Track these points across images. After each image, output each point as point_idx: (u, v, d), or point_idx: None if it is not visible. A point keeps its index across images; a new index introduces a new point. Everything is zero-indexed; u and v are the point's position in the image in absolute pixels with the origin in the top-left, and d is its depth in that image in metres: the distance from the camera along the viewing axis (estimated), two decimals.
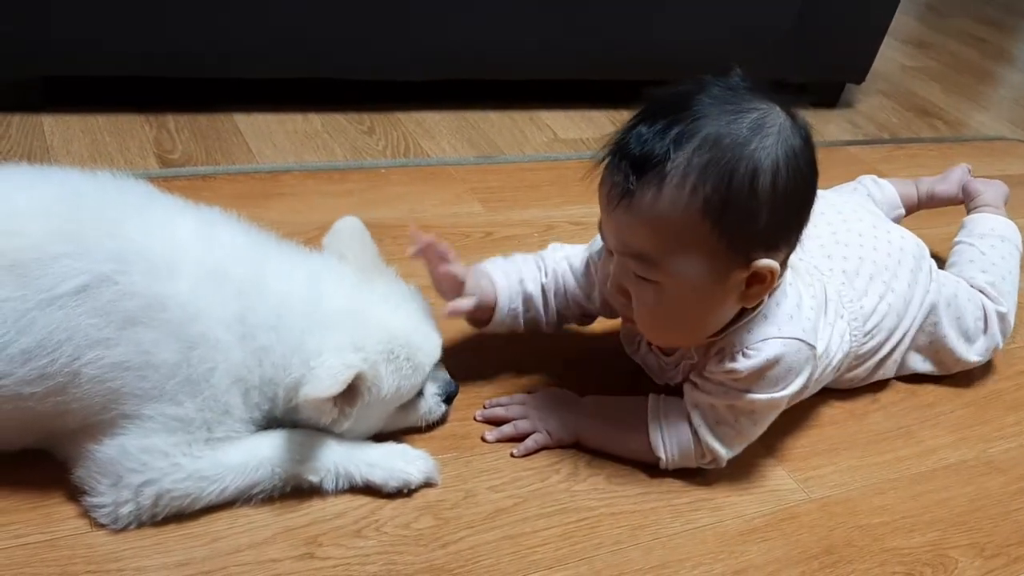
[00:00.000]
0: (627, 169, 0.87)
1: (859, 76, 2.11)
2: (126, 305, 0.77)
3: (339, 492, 0.91)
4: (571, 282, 1.08)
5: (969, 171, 1.50)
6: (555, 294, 1.08)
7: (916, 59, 2.63)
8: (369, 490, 0.92)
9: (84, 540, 0.82)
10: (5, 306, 0.75)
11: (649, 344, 1.07)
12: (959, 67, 2.64)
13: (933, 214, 1.51)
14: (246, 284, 0.84)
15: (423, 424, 0.99)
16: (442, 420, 1.02)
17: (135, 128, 1.49)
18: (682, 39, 1.82)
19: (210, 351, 0.81)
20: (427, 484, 0.94)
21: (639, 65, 1.81)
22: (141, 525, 0.83)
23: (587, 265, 1.08)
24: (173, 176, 1.39)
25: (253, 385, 0.85)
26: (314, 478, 0.89)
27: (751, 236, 0.88)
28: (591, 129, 1.81)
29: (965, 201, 1.45)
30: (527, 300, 1.06)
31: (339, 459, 0.90)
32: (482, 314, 1.04)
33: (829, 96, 2.16)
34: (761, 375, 0.95)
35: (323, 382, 0.81)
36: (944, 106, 2.32)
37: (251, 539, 0.85)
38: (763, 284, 0.91)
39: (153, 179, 1.33)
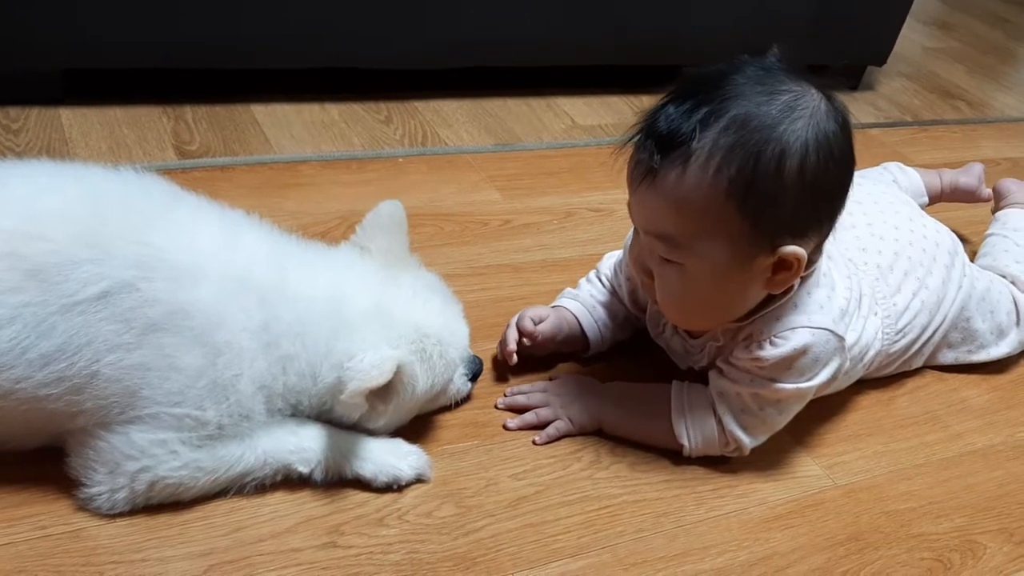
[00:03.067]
0: (652, 147, 0.86)
1: (881, 58, 2.08)
2: (148, 312, 0.77)
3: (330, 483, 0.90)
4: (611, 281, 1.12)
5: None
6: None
7: (938, 40, 2.60)
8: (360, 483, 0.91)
9: (107, 530, 0.82)
10: (26, 311, 0.75)
11: (675, 327, 1.05)
12: (982, 48, 2.60)
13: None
14: (270, 291, 0.83)
15: (452, 404, 1.00)
16: (467, 397, 1.02)
17: (153, 120, 1.50)
18: (701, 23, 1.80)
19: (235, 359, 0.81)
20: (418, 480, 0.92)
21: (658, 50, 1.80)
22: (134, 511, 0.83)
23: (615, 266, 1.10)
24: (191, 167, 1.39)
25: (277, 392, 0.85)
26: (304, 469, 0.88)
27: (777, 221, 0.86)
28: (609, 115, 1.80)
29: (996, 199, 1.44)
30: (608, 309, 1.11)
31: (331, 451, 0.89)
32: (577, 344, 1.11)
33: (851, 79, 2.13)
34: (788, 364, 0.94)
35: (369, 374, 0.80)
36: (967, 87, 2.28)
37: (273, 528, 0.85)
38: (789, 271, 0.89)
39: (171, 170, 1.36)
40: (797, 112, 0.84)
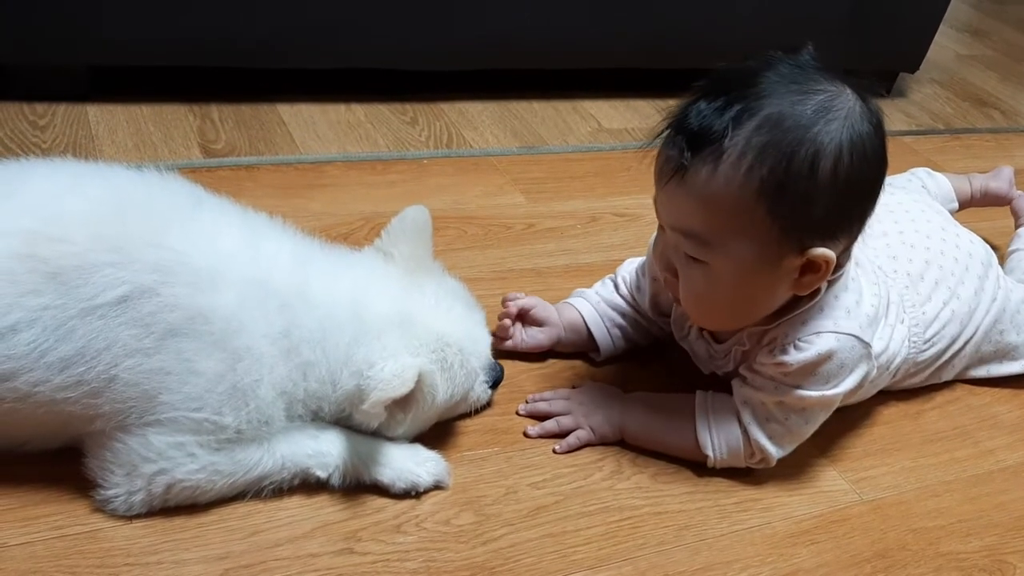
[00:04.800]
0: (683, 144, 0.84)
1: (914, 65, 2.05)
2: (167, 317, 0.76)
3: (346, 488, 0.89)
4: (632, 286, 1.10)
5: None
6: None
7: (971, 47, 2.56)
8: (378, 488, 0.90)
9: (123, 532, 0.81)
10: (45, 314, 0.74)
11: (700, 330, 1.04)
12: (1016, 55, 2.56)
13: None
14: (291, 297, 0.83)
15: (471, 411, 0.99)
16: (487, 403, 1.01)
17: (179, 118, 1.49)
18: (732, 26, 1.78)
19: (255, 364, 0.80)
20: (437, 487, 0.91)
21: (687, 53, 1.78)
22: (151, 512, 0.82)
23: (636, 270, 1.09)
24: (216, 166, 1.38)
25: (297, 398, 0.84)
26: (322, 474, 0.87)
27: (808, 223, 0.85)
28: (636, 119, 1.78)
29: (1015, 216, 1.42)
30: (617, 311, 1.10)
31: (349, 456, 0.88)
32: (585, 344, 1.10)
33: (883, 85, 2.10)
34: (812, 370, 0.92)
35: (390, 384, 0.80)
36: (1000, 95, 2.25)
37: (290, 533, 0.84)
38: (817, 274, 0.88)
39: (196, 169, 1.36)
40: (832, 113, 0.83)
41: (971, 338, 1.12)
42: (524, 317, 1.08)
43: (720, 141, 0.82)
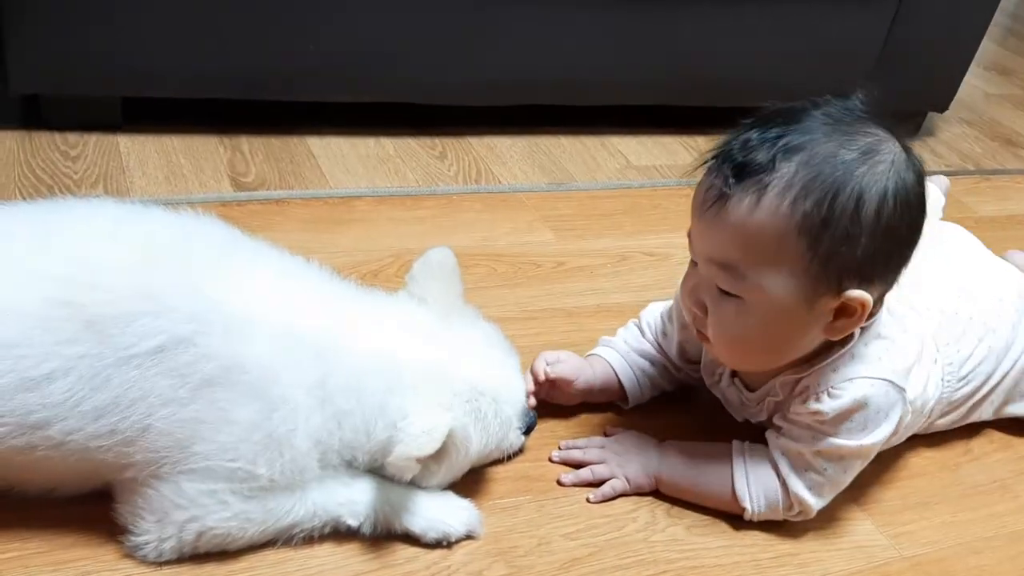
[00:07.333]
0: (728, 172, 0.84)
1: (943, 104, 2.04)
2: (204, 367, 0.75)
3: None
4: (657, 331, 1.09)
5: None
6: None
7: (1000, 86, 2.54)
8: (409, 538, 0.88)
9: None
10: (81, 363, 0.73)
11: (732, 376, 1.02)
12: None
13: None
14: (326, 345, 0.82)
15: (504, 458, 0.97)
16: (520, 449, 0.99)
17: (210, 150, 1.50)
18: (760, 63, 1.77)
19: (291, 414, 0.79)
20: (468, 537, 0.89)
21: (715, 91, 1.78)
22: (181, 559, 0.81)
23: (662, 315, 1.08)
24: (246, 200, 1.38)
25: (332, 448, 0.83)
26: (353, 522, 0.86)
27: (847, 263, 0.84)
28: (664, 156, 1.77)
29: None
30: (646, 358, 1.08)
31: (380, 505, 0.86)
32: (615, 394, 1.08)
33: (911, 124, 2.09)
34: (847, 417, 0.91)
35: (418, 441, 0.79)
36: None
37: None
38: (851, 317, 0.87)
39: (227, 203, 1.36)
40: (878, 157, 0.83)
41: (1008, 372, 1.10)
42: (554, 384, 1.05)
43: (766, 173, 0.82)
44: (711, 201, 0.85)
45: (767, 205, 0.82)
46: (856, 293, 0.85)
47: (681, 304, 0.96)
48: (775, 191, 0.82)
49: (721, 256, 0.86)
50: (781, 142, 0.83)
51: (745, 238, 0.84)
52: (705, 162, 0.88)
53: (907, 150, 0.86)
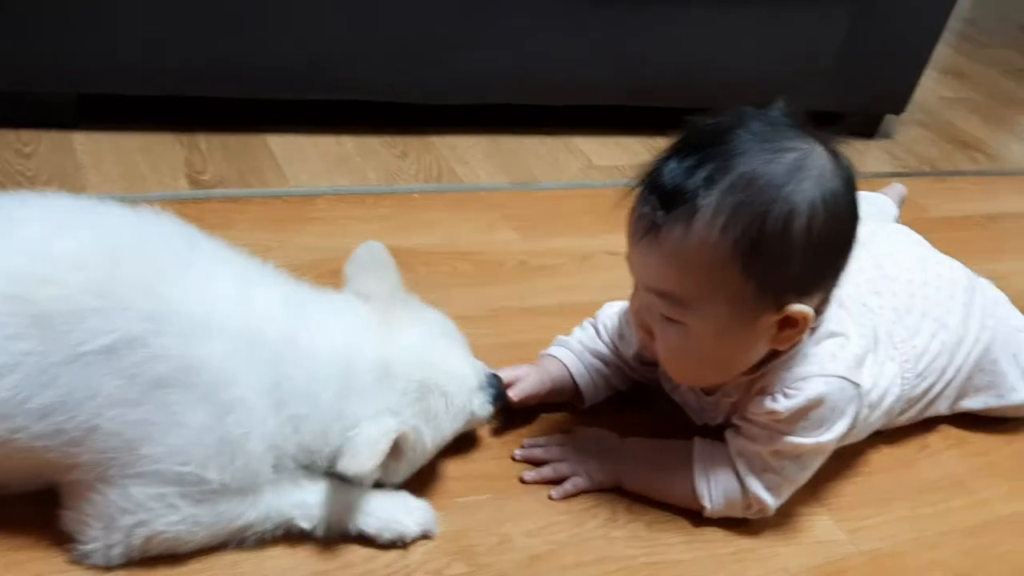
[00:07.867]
0: (656, 202, 0.84)
1: (899, 106, 2.07)
2: (155, 368, 0.74)
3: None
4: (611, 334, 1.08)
5: None
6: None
7: (955, 90, 2.58)
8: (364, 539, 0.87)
9: None
10: (28, 359, 0.71)
11: None
12: (998, 98, 2.59)
13: None
14: (281, 347, 0.80)
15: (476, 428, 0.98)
16: (505, 409, 1.00)
17: (166, 148, 1.47)
18: (720, 67, 1.79)
19: (245, 417, 0.77)
20: (424, 536, 0.89)
21: (676, 92, 1.78)
22: (129, 563, 0.79)
23: (619, 316, 1.08)
24: (204, 198, 1.36)
25: (287, 453, 0.82)
26: (307, 525, 0.84)
27: (783, 281, 0.85)
28: (626, 156, 1.78)
29: None
30: (601, 359, 1.07)
31: (334, 507, 0.85)
32: (570, 394, 1.06)
33: (867, 127, 2.12)
34: (803, 415, 0.92)
35: (361, 455, 0.78)
36: (984, 138, 2.27)
37: None
38: (795, 328, 0.88)
39: (184, 201, 1.34)
40: (804, 172, 0.83)
41: (962, 367, 1.11)
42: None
43: (693, 200, 0.82)
44: (643, 231, 0.85)
45: (697, 234, 0.82)
46: (797, 307, 0.86)
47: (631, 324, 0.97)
48: (704, 219, 0.82)
49: (659, 285, 0.87)
50: (706, 167, 0.82)
51: (680, 268, 0.84)
52: (634, 188, 0.87)
53: (835, 155, 0.86)
